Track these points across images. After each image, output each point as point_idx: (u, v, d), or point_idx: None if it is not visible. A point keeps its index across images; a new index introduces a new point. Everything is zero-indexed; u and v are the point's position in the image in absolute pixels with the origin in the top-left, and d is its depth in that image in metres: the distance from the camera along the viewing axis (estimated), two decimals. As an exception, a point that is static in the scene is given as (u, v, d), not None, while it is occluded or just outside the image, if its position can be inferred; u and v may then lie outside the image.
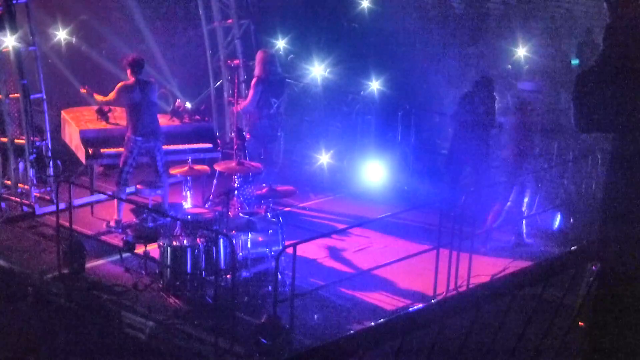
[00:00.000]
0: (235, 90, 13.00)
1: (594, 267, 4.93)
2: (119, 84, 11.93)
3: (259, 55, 13.00)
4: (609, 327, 4.68)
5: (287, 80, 13.78)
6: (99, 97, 12.24)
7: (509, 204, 11.78)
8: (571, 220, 12.22)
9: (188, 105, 13.64)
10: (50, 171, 12.61)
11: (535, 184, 11.97)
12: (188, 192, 11.58)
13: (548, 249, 11.66)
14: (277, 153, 13.44)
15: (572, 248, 4.90)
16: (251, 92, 12.73)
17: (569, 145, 12.95)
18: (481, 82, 12.37)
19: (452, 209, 10.46)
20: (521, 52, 16.82)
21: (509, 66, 17.02)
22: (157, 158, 12.01)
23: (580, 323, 5.09)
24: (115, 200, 11.91)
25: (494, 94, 12.37)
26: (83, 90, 12.56)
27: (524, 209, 11.88)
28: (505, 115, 12.82)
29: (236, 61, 15.10)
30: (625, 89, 4.58)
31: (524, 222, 11.91)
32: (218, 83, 15.57)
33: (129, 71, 11.87)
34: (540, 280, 4.57)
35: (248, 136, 12.73)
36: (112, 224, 11.99)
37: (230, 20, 15.23)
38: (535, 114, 11.95)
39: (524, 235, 11.92)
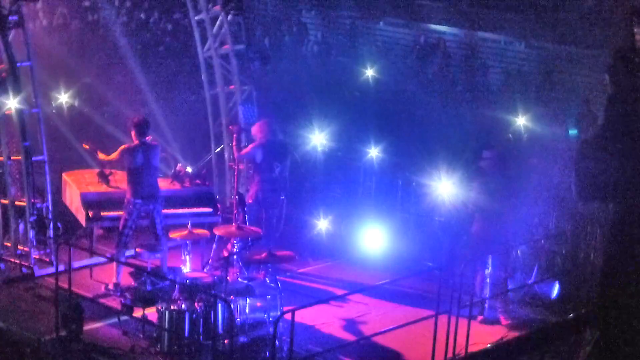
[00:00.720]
0: (236, 155, 13.06)
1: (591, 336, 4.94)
2: (123, 146, 12.00)
3: (258, 124, 13.14)
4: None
5: (289, 145, 13.86)
6: (101, 155, 12.30)
7: (488, 270, 11.66)
8: (569, 288, 12.15)
9: (189, 169, 13.70)
10: (51, 233, 12.62)
11: (531, 252, 11.96)
12: (187, 256, 11.58)
13: (546, 317, 11.58)
14: (278, 218, 13.42)
15: (570, 316, 4.92)
16: (249, 147, 12.88)
17: (566, 214, 12.93)
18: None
19: (451, 276, 10.49)
20: (521, 121, 16.87)
21: (510, 136, 17.06)
22: (157, 221, 12.03)
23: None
24: (114, 263, 11.91)
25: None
26: (86, 146, 12.64)
27: (506, 274, 11.77)
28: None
29: (237, 126, 15.16)
30: (625, 159, 4.61)
31: (509, 289, 11.80)
32: (219, 148, 15.63)
33: (133, 133, 11.92)
34: (538, 347, 4.58)
35: (250, 200, 12.78)
36: (110, 286, 11.96)
37: (232, 87, 15.35)
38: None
39: (510, 303, 11.79)
